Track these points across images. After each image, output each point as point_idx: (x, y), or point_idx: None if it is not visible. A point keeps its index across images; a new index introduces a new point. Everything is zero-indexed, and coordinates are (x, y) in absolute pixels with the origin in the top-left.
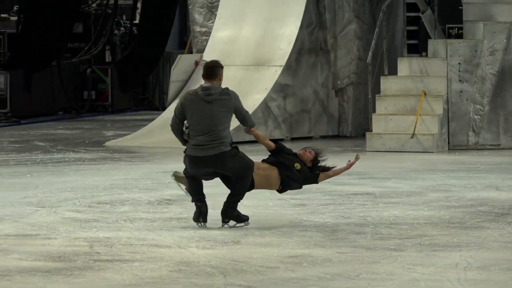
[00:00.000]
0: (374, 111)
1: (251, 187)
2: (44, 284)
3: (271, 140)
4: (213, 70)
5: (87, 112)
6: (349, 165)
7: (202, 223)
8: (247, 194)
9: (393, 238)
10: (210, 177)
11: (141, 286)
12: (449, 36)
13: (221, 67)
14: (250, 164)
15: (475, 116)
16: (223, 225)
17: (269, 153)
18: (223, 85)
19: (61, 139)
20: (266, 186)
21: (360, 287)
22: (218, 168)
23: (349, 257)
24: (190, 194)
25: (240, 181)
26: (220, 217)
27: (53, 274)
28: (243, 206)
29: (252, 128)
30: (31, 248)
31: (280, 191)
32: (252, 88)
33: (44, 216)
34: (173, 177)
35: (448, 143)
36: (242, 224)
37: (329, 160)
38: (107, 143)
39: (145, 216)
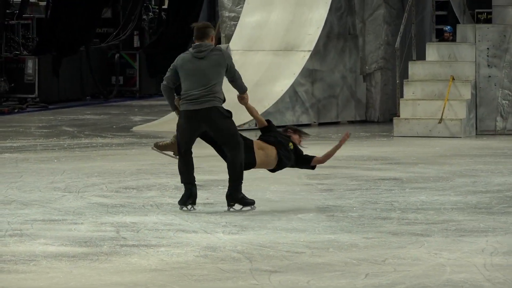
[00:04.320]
0: (402, 96)
1: (252, 165)
2: (70, 269)
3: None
4: (204, 30)
5: (115, 97)
6: (341, 143)
7: (191, 206)
8: (273, 178)
9: (419, 223)
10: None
11: (167, 271)
12: (478, 21)
13: (212, 28)
14: (239, 137)
15: (503, 101)
16: (228, 209)
17: (260, 130)
18: (253, 69)
19: (89, 124)
20: (265, 165)
21: (386, 272)
22: (211, 123)
23: (376, 242)
24: (181, 175)
25: (233, 161)
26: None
27: (79, 259)
28: (270, 191)
29: (245, 95)
30: (57, 233)
31: (273, 170)
32: (280, 73)
33: (71, 201)
34: (155, 149)
35: (476, 128)
36: (249, 207)
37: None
38: (135, 128)
39: (172, 201)
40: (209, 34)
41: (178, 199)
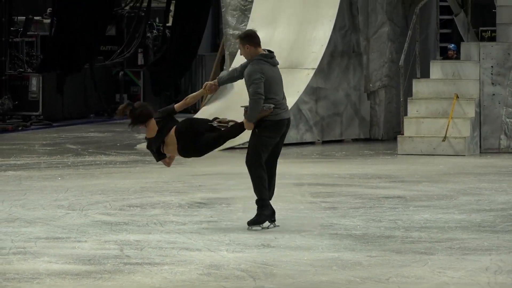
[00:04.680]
0: (406, 114)
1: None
2: (74, 287)
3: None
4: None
5: None
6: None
7: (274, 224)
8: (277, 196)
9: (423, 241)
10: None
11: None
12: (482, 39)
13: None
14: None
15: (507, 120)
16: (274, 225)
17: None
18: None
19: (93, 142)
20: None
21: None
22: (286, 132)
23: (379, 260)
24: (264, 191)
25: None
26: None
27: (83, 277)
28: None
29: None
30: (61, 251)
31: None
32: (284, 91)
33: (74, 219)
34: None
35: (480, 146)
36: None
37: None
38: (139, 146)
39: (176, 219)
40: None
41: (255, 220)
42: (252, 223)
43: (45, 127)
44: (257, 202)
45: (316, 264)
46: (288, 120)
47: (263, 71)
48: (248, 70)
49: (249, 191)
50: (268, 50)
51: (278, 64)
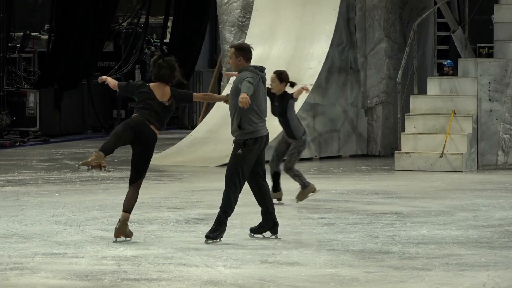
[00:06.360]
0: (403, 130)
1: None
2: None
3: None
4: None
5: None
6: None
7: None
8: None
9: (420, 257)
10: None
11: None
12: (480, 55)
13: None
14: None
15: (505, 136)
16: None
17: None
18: None
19: None
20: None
21: None
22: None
23: (377, 276)
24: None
25: None
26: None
27: None
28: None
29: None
30: (58, 266)
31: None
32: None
33: (72, 234)
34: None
35: (477, 162)
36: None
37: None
38: None
39: (173, 235)
40: None
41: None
42: (207, 236)
43: (42, 143)
44: (220, 215)
45: (314, 280)
46: (267, 136)
47: (254, 77)
48: (240, 75)
49: (247, 207)
50: (260, 66)
51: (265, 81)
